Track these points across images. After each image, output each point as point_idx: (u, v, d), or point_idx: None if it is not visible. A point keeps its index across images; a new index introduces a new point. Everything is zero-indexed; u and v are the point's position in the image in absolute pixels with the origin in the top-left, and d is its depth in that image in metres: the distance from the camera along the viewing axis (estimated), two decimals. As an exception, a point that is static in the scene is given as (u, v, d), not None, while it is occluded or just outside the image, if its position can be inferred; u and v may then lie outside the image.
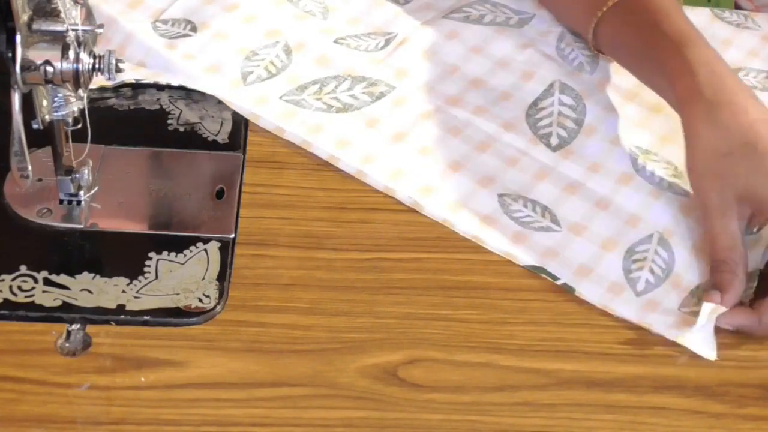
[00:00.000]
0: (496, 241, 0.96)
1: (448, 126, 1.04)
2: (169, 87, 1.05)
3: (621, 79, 1.09)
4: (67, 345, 0.87)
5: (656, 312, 0.92)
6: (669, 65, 0.98)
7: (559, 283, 0.94)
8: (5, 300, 0.88)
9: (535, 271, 0.94)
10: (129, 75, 1.05)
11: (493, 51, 1.11)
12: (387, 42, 1.11)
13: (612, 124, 1.05)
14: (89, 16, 0.99)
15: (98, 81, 0.91)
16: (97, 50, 0.86)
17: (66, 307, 0.88)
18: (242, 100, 1.04)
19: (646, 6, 1.03)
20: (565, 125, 1.05)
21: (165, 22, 1.10)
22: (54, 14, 0.83)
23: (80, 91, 0.86)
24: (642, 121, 1.06)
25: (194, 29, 1.09)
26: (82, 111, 0.88)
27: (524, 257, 0.95)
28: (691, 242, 0.97)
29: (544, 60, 1.10)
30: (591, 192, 1.00)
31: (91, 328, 0.88)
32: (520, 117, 1.05)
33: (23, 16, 0.82)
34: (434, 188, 0.99)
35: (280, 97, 1.05)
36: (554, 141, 1.03)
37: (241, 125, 1.04)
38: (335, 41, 1.11)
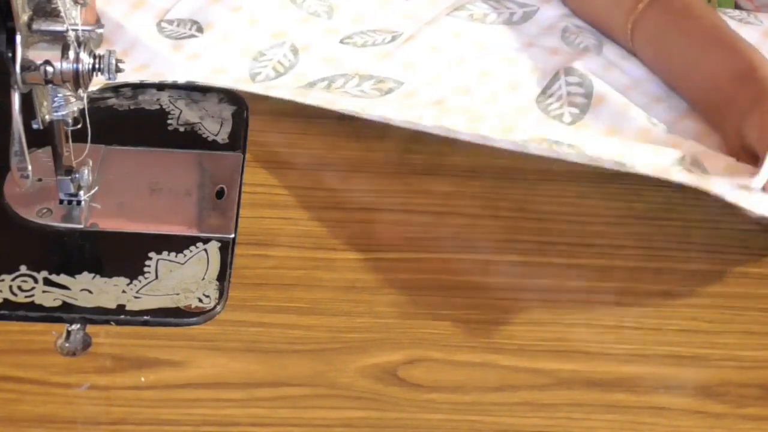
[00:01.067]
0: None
1: (460, 113, 1.03)
2: (169, 87, 1.05)
3: (627, 64, 1.09)
4: (67, 345, 0.87)
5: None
6: (735, 65, 1.00)
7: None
8: (5, 300, 0.88)
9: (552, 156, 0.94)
10: (133, 77, 1.05)
11: (499, 49, 1.11)
12: (393, 38, 1.12)
13: (620, 96, 1.05)
14: (97, 20, 0.99)
15: (99, 81, 0.91)
16: (97, 50, 0.86)
17: (66, 307, 0.88)
18: (251, 89, 1.04)
19: (693, 4, 1.05)
20: (576, 102, 1.05)
21: (170, 22, 1.10)
22: (54, 14, 0.83)
23: (80, 91, 0.86)
24: (644, 108, 1.06)
25: (200, 29, 1.09)
26: (82, 111, 0.88)
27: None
28: (722, 161, 0.96)
29: (550, 56, 1.10)
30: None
31: (91, 328, 0.88)
32: (531, 104, 1.05)
33: (23, 16, 0.82)
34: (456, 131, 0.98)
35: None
36: (567, 119, 1.04)
37: (241, 125, 1.04)
38: (341, 41, 1.11)
